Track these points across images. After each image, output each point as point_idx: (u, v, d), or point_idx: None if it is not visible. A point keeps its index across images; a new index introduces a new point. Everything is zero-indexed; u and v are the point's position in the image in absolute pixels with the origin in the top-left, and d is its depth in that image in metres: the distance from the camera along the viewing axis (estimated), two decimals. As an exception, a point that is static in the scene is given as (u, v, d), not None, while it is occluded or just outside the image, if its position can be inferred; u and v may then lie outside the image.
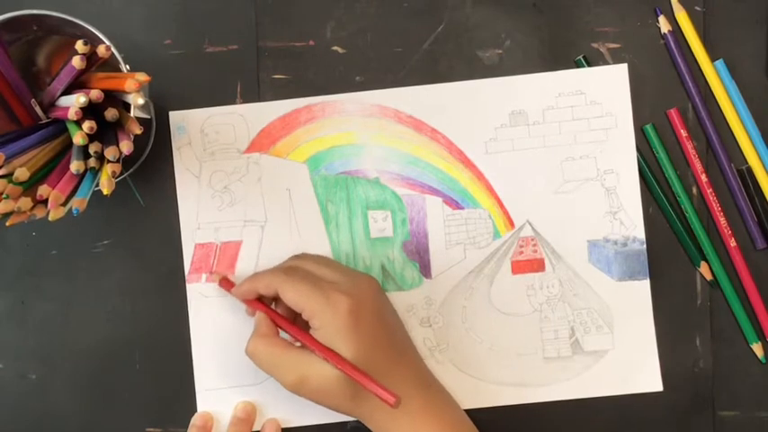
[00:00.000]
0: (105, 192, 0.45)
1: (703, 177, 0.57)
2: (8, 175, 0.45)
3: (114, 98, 0.48)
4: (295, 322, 0.53)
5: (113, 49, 0.47)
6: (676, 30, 0.58)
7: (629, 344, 0.57)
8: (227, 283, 0.56)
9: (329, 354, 0.49)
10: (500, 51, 0.58)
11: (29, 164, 0.46)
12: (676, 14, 0.58)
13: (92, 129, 0.45)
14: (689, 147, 0.57)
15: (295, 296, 0.51)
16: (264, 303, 0.54)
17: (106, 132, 0.47)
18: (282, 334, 0.53)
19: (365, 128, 0.58)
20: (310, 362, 0.50)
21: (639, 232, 0.58)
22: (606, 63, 0.58)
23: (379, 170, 0.58)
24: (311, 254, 0.57)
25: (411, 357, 0.54)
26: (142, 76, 0.46)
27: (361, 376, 0.48)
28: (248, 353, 0.52)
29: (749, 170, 0.57)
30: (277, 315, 0.53)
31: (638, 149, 0.58)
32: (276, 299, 0.54)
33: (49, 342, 0.58)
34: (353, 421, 0.57)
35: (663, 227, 0.58)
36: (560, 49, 0.58)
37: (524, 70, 0.58)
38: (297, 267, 0.54)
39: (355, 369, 0.48)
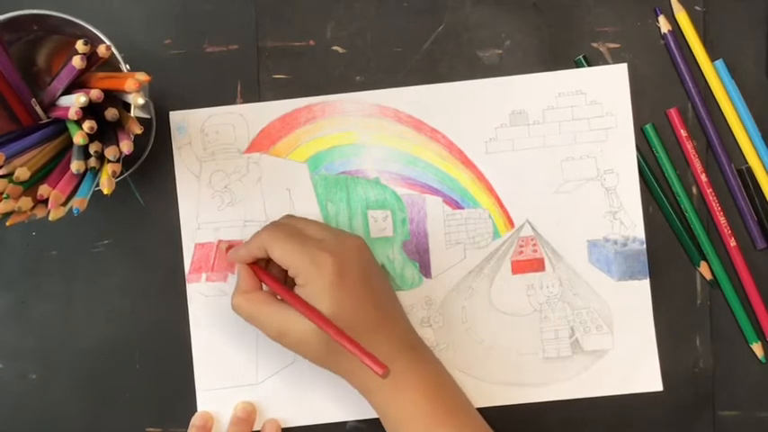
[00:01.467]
0: (105, 191, 0.45)
1: (703, 177, 0.57)
2: (8, 175, 0.45)
3: (114, 98, 0.48)
4: (285, 280, 0.53)
5: (113, 49, 0.47)
6: (676, 30, 0.58)
7: (628, 344, 0.57)
8: (232, 248, 0.56)
9: (309, 311, 0.49)
10: (500, 51, 0.58)
11: (29, 164, 0.46)
12: (676, 14, 0.58)
13: (92, 128, 0.45)
14: (689, 146, 0.57)
15: (281, 254, 0.51)
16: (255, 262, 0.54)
17: (106, 132, 0.47)
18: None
19: (365, 128, 0.58)
20: (290, 315, 0.50)
21: (639, 232, 0.58)
22: (606, 63, 0.58)
23: (379, 170, 0.58)
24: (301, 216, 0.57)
25: (396, 319, 0.54)
26: (142, 76, 0.46)
27: (344, 338, 0.48)
28: (233, 307, 0.53)
29: (749, 170, 0.57)
30: (262, 271, 0.53)
31: (638, 149, 0.58)
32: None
33: (49, 342, 0.58)
34: (353, 421, 0.57)
35: (663, 227, 0.58)
36: (560, 49, 0.58)
37: (524, 70, 0.58)
38: (286, 224, 0.54)
39: (338, 331, 0.48)
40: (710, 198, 0.57)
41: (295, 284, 0.51)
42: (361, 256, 0.52)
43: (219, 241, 0.58)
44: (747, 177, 0.57)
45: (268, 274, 0.53)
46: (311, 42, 0.58)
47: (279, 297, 0.52)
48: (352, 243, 0.52)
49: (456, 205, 0.58)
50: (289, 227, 0.53)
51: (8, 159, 0.45)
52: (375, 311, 0.51)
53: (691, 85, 0.57)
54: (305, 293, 0.50)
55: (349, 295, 0.50)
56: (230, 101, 0.58)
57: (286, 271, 0.52)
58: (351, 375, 0.52)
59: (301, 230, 0.53)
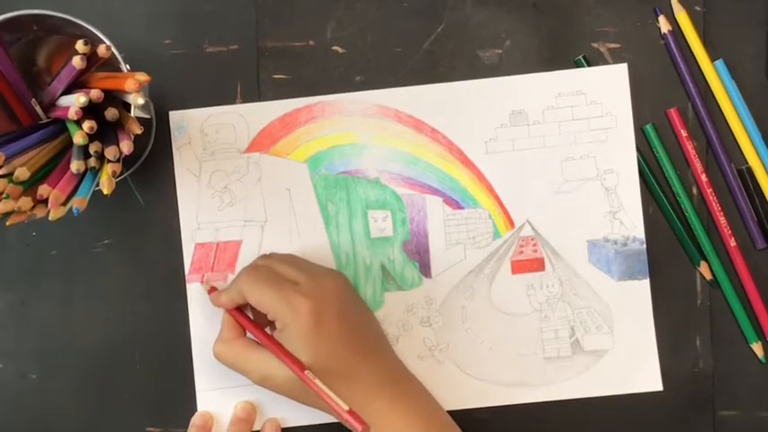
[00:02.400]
0: (105, 191, 0.45)
1: (703, 177, 0.57)
2: (8, 175, 0.45)
3: (114, 98, 0.48)
4: (267, 323, 0.54)
5: (113, 49, 0.47)
6: (676, 30, 0.58)
7: (628, 344, 0.57)
8: (214, 292, 0.56)
9: (289, 359, 0.50)
10: (500, 51, 0.58)
11: (29, 163, 0.46)
12: (676, 14, 0.58)
13: (92, 128, 0.45)
14: (689, 147, 0.57)
15: (258, 299, 0.52)
16: (238, 308, 0.54)
17: (106, 132, 0.47)
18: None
19: (365, 128, 0.58)
20: (272, 362, 0.51)
21: (639, 232, 0.58)
22: (606, 63, 0.58)
23: (379, 170, 0.58)
24: (279, 253, 0.57)
25: (379, 355, 0.54)
26: (142, 76, 0.46)
27: (322, 393, 0.49)
28: (214, 355, 0.54)
29: (749, 170, 0.57)
30: (243, 317, 0.54)
31: (638, 149, 0.58)
32: None
33: (49, 342, 0.58)
34: (353, 421, 0.57)
35: (663, 227, 0.58)
36: (560, 49, 0.58)
37: (524, 70, 0.58)
38: (262, 266, 0.54)
39: (315, 386, 0.49)
40: (710, 198, 0.57)
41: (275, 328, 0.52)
42: (339, 295, 0.52)
43: (203, 277, 0.57)
44: (747, 177, 0.57)
45: (248, 320, 0.54)
46: (311, 42, 0.58)
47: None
48: (330, 284, 0.52)
49: (456, 205, 0.58)
50: (264, 269, 0.53)
51: (8, 159, 0.45)
52: (353, 354, 0.51)
53: (691, 85, 0.57)
54: (283, 339, 0.51)
55: (327, 341, 0.51)
56: (230, 101, 0.58)
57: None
58: (339, 417, 0.51)
59: (278, 273, 0.53)
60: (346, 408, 0.48)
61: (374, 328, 0.56)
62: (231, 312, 0.54)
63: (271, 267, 0.54)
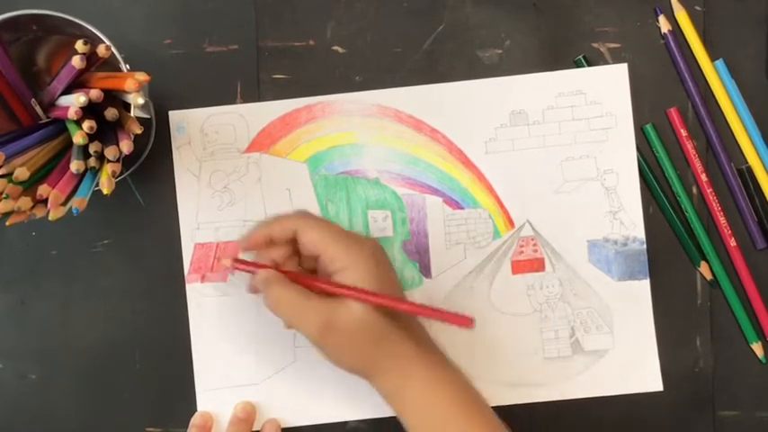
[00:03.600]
0: (105, 191, 0.45)
1: (703, 177, 0.57)
2: (8, 175, 0.45)
3: (114, 98, 0.48)
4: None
5: (113, 49, 0.47)
6: (676, 30, 0.58)
7: (629, 343, 0.57)
8: (239, 263, 0.51)
9: (364, 293, 0.47)
10: (500, 51, 0.58)
11: (29, 163, 0.46)
12: (676, 14, 0.58)
13: (92, 128, 0.45)
14: (689, 146, 0.57)
15: (317, 236, 0.48)
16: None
17: (106, 132, 0.47)
18: None
19: (365, 128, 0.58)
20: (336, 304, 0.47)
21: (639, 232, 0.58)
22: (606, 63, 0.58)
23: (379, 170, 0.58)
24: None
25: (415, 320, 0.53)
26: (142, 76, 0.46)
27: (416, 307, 0.47)
28: (271, 306, 0.49)
29: (749, 170, 0.57)
30: (285, 271, 0.50)
31: (638, 149, 0.58)
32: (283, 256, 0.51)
33: (49, 342, 0.58)
34: (354, 421, 0.57)
35: (663, 227, 0.58)
36: (560, 49, 0.58)
37: (524, 70, 0.58)
38: (310, 214, 0.52)
39: (409, 303, 0.47)
40: (710, 198, 0.57)
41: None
42: (384, 251, 0.51)
43: (218, 245, 0.57)
44: (747, 177, 0.57)
45: (293, 272, 0.50)
46: (311, 42, 0.58)
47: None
48: (371, 240, 0.51)
49: (456, 205, 0.58)
50: (314, 216, 0.52)
51: (8, 159, 0.45)
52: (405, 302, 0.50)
53: (691, 85, 0.57)
54: (346, 277, 0.48)
55: (387, 281, 0.49)
56: (230, 101, 0.58)
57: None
58: (384, 375, 0.49)
59: (335, 224, 0.51)
60: (452, 312, 0.47)
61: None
62: (273, 266, 0.50)
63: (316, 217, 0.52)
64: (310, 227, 0.49)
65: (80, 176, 0.47)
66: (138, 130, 0.47)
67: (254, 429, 0.57)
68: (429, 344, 0.52)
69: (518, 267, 0.58)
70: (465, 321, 0.47)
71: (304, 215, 0.51)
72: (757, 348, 0.57)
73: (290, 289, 0.48)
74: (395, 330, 0.48)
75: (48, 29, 0.51)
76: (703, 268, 0.58)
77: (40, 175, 0.47)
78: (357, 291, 0.47)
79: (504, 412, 0.57)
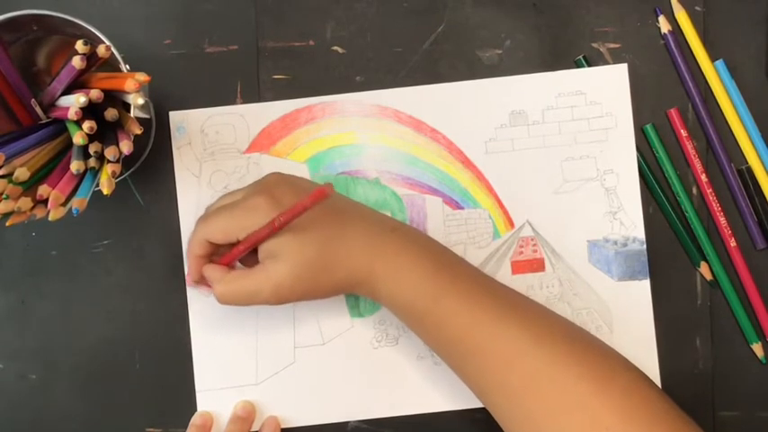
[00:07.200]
0: (105, 192, 0.46)
1: (703, 177, 0.57)
2: (8, 175, 0.45)
3: (114, 98, 0.48)
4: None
5: (113, 49, 0.47)
6: (676, 30, 0.58)
7: (629, 344, 0.57)
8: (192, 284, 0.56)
9: (266, 227, 0.49)
10: (500, 51, 0.58)
11: (29, 164, 0.46)
12: (676, 14, 0.58)
13: (92, 129, 0.45)
14: (689, 147, 0.57)
15: (221, 227, 0.51)
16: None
17: (106, 132, 0.47)
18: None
19: (365, 128, 0.58)
20: (271, 270, 0.50)
21: (639, 232, 0.58)
22: (606, 63, 0.58)
23: (379, 170, 0.58)
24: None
25: (359, 208, 0.54)
26: (142, 76, 0.46)
27: (288, 214, 0.48)
28: (221, 301, 0.52)
29: (749, 170, 0.57)
30: (219, 257, 0.53)
31: (638, 149, 0.58)
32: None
33: (49, 342, 0.58)
34: (355, 421, 0.57)
35: (663, 227, 0.58)
36: (560, 49, 0.58)
37: (524, 70, 0.58)
38: (207, 212, 0.55)
39: (282, 215, 0.48)
40: (710, 198, 0.57)
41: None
42: (284, 179, 0.53)
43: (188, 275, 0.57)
44: (747, 177, 0.57)
45: (220, 256, 0.53)
46: (311, 42, 0.58)
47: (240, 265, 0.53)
48: (269, 178, 0.53)
49: (456, 205, 0.58)
50: (211, 210, 0.54)
51: (8, 159, 0.45)
52: (331, 214, 0.51)
53: (691, 85, 0.57)
54: (261, 230, 0.50)
55: (290, 199, 0.50)
56: (230, 101, 0.58)
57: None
58: (347, 282, 0.51)
59: (222, 206, 0.53)
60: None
61: (339, 196, 0.55)
62: (206, 263, 0.53)
63: (214, 206, 0.55)
64: (210, 226, 0.52)
65: (80, 177, 0.47)
66: (138, 130, 0.47)
67: (253, 429, 0.57)
68: (383, 226, 0.52)
69: (518, 267, 0.58)
70: (321, 194, 0.46)
71: (201, 220, 0.54)
72: (757, 349, 0.57)
73: (229, 280, 0.51)
74: (330, 234, 0.50)
75: (48, 29, 0.51)
76: (703, 268, 0.58)
77: (40, 176, 0.47)
78: (263, 229, 0.49)
79: (504, 412, 0.57)
